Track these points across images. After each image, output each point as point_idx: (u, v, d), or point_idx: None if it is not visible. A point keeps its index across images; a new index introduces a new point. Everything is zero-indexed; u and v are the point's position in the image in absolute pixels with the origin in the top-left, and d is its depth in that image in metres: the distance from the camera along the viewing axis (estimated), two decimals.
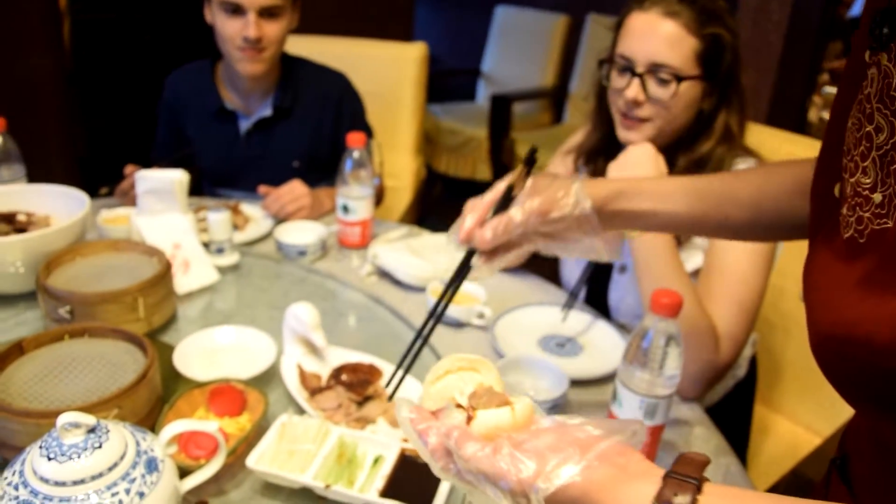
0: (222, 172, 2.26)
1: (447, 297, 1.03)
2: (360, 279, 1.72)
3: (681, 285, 1.36)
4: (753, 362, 1.75)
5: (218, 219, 1.66)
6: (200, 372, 1.28)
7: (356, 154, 1.74)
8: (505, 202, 1.01)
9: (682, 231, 1.14)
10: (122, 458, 0.89)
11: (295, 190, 1.97)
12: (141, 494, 0.88)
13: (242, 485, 1.09)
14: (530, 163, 1.02)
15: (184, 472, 1.00)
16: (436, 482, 1.01)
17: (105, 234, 1.79)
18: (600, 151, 1.66)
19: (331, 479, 1.03)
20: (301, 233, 1.83)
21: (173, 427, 0.95)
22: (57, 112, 3.52)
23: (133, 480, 0.88)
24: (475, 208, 1.01)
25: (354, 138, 1.73)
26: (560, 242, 1.02)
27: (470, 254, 1.04)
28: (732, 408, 1.71)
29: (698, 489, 0.59)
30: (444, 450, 0.68)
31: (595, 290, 1.70)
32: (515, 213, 0.97)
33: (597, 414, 1.31)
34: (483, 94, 5.38)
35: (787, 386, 1.83)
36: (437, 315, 1.03)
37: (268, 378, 1.30)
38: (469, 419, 0.69)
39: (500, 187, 1.02)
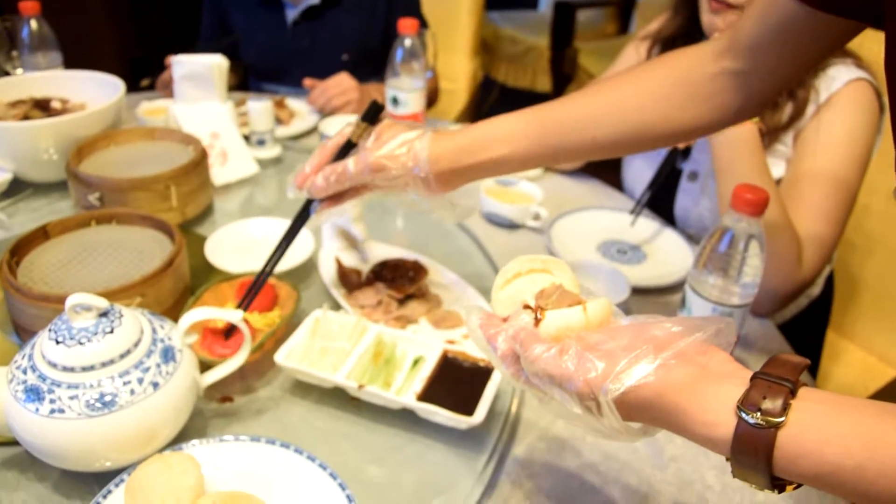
0: (268, 66, 2.15)
1: (282, 248, 1.04)
2: None
3: (766, 187, 1.21)
4: (830, 282, 1.61)
5: (259, 108, 1.56)
6: (233, 264, 1.19)
7: (408, 42, 1.61)
8: (347, 150, 0.99)
9: (543, 165, 1.04)
10: (136, 345, 0.81)
11: (342, 83, 1.85)
12: (155, 385, 0.80)
13: (272, 382, 1.01)
14: (371, 118, 0.99)
15: (208, 370, 0.93)
16: (480, 387, 0.92)
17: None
18: (679, 39, 1.49)
19: (365, 379, 0.94)
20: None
21: (193, 314, 0.86)
22: (106, 11, 3.43)
23: (147, 369, 0.81)
24: (315, 155, 1.01)
25: (406, 24, 1.60)
26: (399, 195, 0.99)
27: (309, 202, 1.02)
28: (803, 329, 1.57)
29: (792, 393, 0.53)
30: (513, 355, 0.66)
31: (660, 199, 1.56)
32: (350, 164, 0.95)
33: None
34: (545, 1, 5.12)
35: (864, 312, 1.68)
36: (270, 266, 1.03)
37: (304, 273, 1.22)
38: (537, 320, 0.64)
39: (344, 132, 1.01)
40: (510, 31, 4.72)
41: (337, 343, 0.99)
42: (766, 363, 0.56)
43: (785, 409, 0.51)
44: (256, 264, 1.09)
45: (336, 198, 1.01)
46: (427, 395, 0.92)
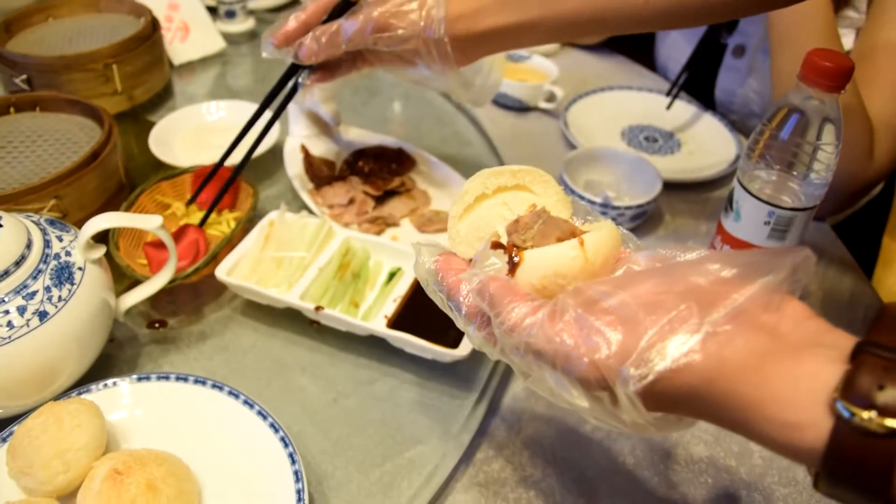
0: None
1: (256, 131, 0.85)
2: None
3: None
4: (890, 180, 1.38)
5: None
6: (184, 157, 1.00)
7: None
8: (344, 8, 0.78)
9: (583, 34, 0.79)
10: (16, 264, 0.62)
11: None
12: (42, 315, 0.62)
13: (222, 302, 0.83)
14: None
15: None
16: None
17: None
18: None
19: (326, 298, 0.76)
20: None
21: (98, 221, 0.67)
22: None
23: (32, 295, 0.62)
24: (306, 6, 0.81)
25: None
26: (402, 67, 0.80)
27: (293, 68, 0.83)
28: (857, 231, 1.35)
29: None
30: (483, 315, 0.46)
31: (698, 78, 1.32)
32: (347, 22, 0.75)
33: (700, 231, 0.99)
34: None
35: None
36: (242, 158, 0.85)
37: (266, 165, 1.02)
38: (513, 265, 0.45)
39: None
40: None
41: (294, 252, 0.80)
42: (876, 321, 0.37)
43: None
44: (216, 158, 0.89)
45: (327, 69, 0.82)
46: (402, 320, 0.73)
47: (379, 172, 0.93)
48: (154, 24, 1.18)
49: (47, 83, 1.07)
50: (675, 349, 0.38)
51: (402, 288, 0.76)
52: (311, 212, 0.89)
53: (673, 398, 0.39)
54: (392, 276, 0.80)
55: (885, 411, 0.33)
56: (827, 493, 0.36)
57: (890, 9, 1.07)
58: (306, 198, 0.91)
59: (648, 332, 0.38)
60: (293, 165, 0.96)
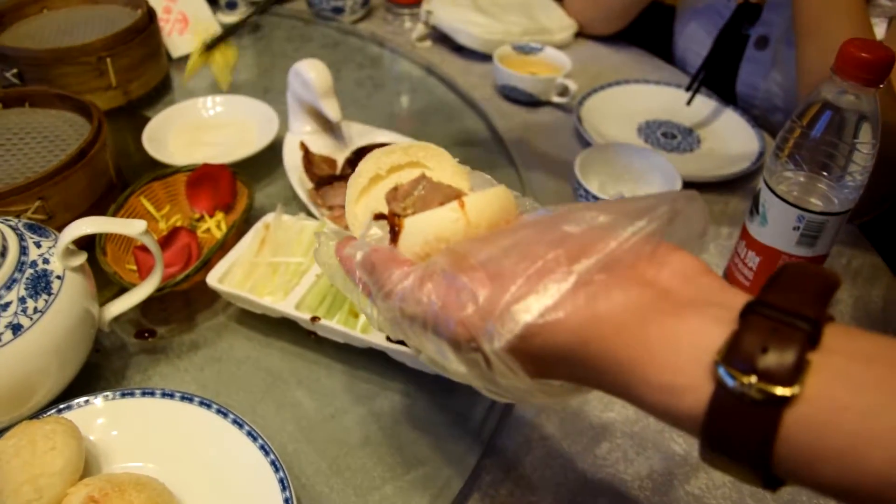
0: None
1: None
2: (411, 44, 1.33)
3: None
4: None
5: None
6: (178, 154, 0.95)
7: None
8: None
9: None
10: None
11: None
12: (16, 328, 0.58)
13: (217, 311, 0.78)
14: None
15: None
16: None
17: None
18: None
19: (323, 308, 0.71)
20: None
21: (78, 226, 0.63)
22: None
23: (5, 307, 0.58)
24: None
25: None
26: None
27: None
28: (887, 232, 1.29)
29: (812, 340, 0.31)
30: None
31: (718, 70, 1.26)
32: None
33: (721, 234, 0.94)
34: None
35: None
36: None
37: (265, 163, 0.97)
38: (395, 233, 0.43)
39: None
40: None
41: (291, 258, 0.75)
42: (771, 281, 0.34)
43: (799, 370, 0.30)
44: (212, 156, 0.85)
45: None
46: None
47: None
48: (151, 16, 1.14)
49: (39, 77, 1.03)
50: (541, 301, 0.35)
51: None
52: (309, 213, 0.85)
53: (549, 360, 0.36)
54: None
55: (766, 376, 0.30)
56: (708, 461, 0.33)
57: None
58: (305, 198, 0.86)
59: (514, 284, 0.36)
60: (293, 163, 0.92)
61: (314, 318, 0.69)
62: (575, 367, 0.36)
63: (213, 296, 0.78)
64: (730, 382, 0.31)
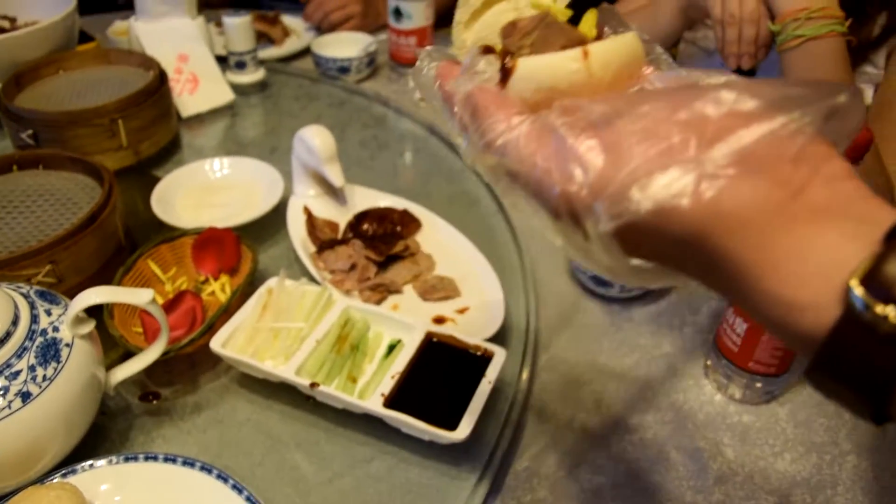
0: None
1: None
2: (415, 103, 1.37)
3: None
4: None
5: (235, 25, 1.32)
6: (185, 215, 0.98)
7: None
8: None
9: None
10: (1, 342, 0.60)
11: None
12: (25, 396, 0.60)
13: (220, 373, 0.81)
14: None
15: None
16: (470, 387, 0.70)
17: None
18: None
19: (322, 373, 0.73)
20: (345, 45, 1.47)
21: (86, 297, 0.65)
22: None
23: (15, 375, 0.60)
24: None
25: None
26: None
27: None
28: None
29: None
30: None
31: None
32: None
33: (720, 301, 0.96)
34: None
35: None
36: None
37: (270, 226, 1.00)
38: (505, 73, 0.38)
39: None
40: None
41: (293, 323, 0.77)
42: None
43: None
44: (218, 218, 0.87)
45: None
46: (400, 397, 0.70)
47: (382, 236, 0.91)
48: (162, 78, 1.17)
49: (53, 138, 1.06)
50: (661, 189, 0.31)
51: (401, 363, 0.73)
52: (311, 277, 0.87)
53: (657, 246, 0.33)
54: (392, 348, 0.77)
55: None
56: (815, 383, 0.31)
57: None
58: (307, 262, 0.89)
59: (632, 161, 0.32)
60: (296, 227, 0.94)
61: (313, 384, 0.71)
62: (685, 259, 0.33)
63: (216, 358, 0.80)
64: (862, 309, 0.27)
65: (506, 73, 0.38)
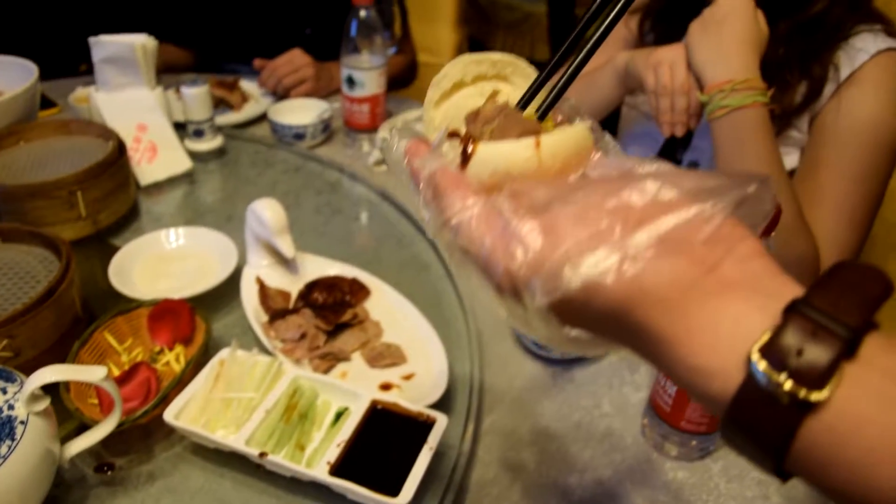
0: (225, 41, 1.94)
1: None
2: (368, 168, 1.42)
3: (779, 184, 1.03)
4: None
5: (193, 94, 1.36)
6: (142, 286, 1.01)
7: (363, 14, 1.40)
8: None
9: None
10: None
11: (294, 60, 1.65)
12: None
13: (174, 442, 0.83)
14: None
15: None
16: (413, 453, 0.73)
17: (78, 116, 1.52)
18: (674, 9, 1.29)
19: (271, 442, 0.76)
20: (300, 112, 1.52)
21: (40, 377, 0.68)
22: None
23: None
24: None
25: None
26: None
27: None
28: None
29: (850, 347, 0.31)
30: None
31: None
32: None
33: None
34: None
35: (890, 315, 1.47)
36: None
37: (225, 296, 1.03)
38: (466, 157, 0.42)
39: None
40: None
41: (243, 393, 0.81)
42: (822, 280, 0.34)
43: (830, 377, 0.31)
44: (174, 288, 0.90)
45: None
46: (345, 465, 0.73)
47: (332, 305, 0.95)
48: (121, 149, 1.21)
49: (13, 210, 1.09)
50: (589, 268, 0.35)
51: (347, 431, 0.76)
52: (263, 346, 0.91)
53: (588, 318, 0.37)
54: (339, 416, 0.80)
55: (797, 378, 0.31)
56: (726, 440, 0.35)
57: (829, 129, 1.12)
58: (259, 332, 0.92)
59: (566, 245, 0.36)
60: (249, 296, 0.98)
61: (262, 454, 0.74)
62: (612, 330, 0.37)
63: (170, 427, 0.83)
64: (760, 378, 0.31)
65: (466, 157, 0.42)
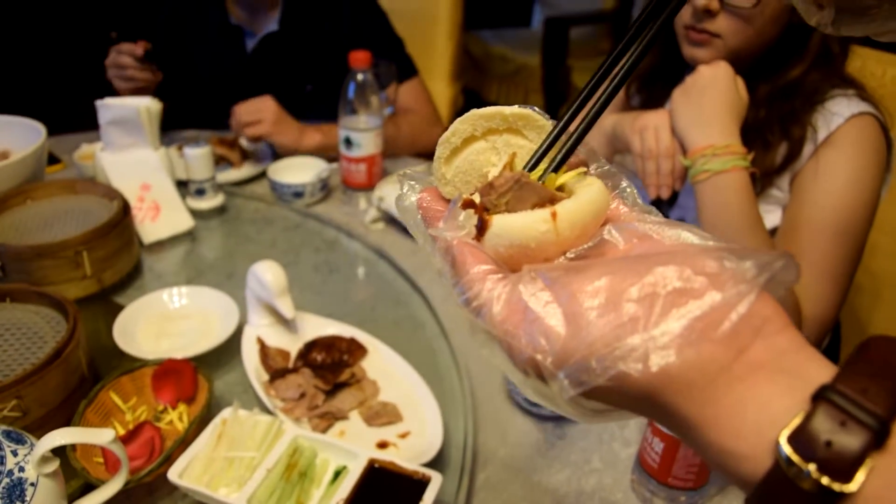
0: (228, 99, 2.00)
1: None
2: (365, 226, 1.46)
3: (760, 243, 1.07)
4: (837, 330, 1.45)
5: (196, 154, 1.41)
6: (146, 344, 1.04)
7: (360, 77, 1.46)
8: None
9: None
10: None
11: (257, 102, 1.66)
12: None
13: (177, 499, 0.86)
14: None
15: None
16: None
17: (83, 173, 1.57)
18: (659, 75, 1.35)
19: (272, 500, 0.79)
20: (299, 170, 1.57)
21: (50, 440, 0.71)
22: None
23: None
24: None
25: (358, 58, 1.45)
26: None
27: None
28: None
29: (878, 435, 0.31)
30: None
31: None
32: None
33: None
34: (539, 18, 4.98)
35: (888, 313, 1.51)
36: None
37: (226, 355, 1.06)
38: (481, 229, 0.42)
39: None
40: (501, 49, 4.59)
41: (245, 452, 0.83)
42: (851, 362, 0.34)
43: (858, 468, 0.31)
44: (177, 347, 0.93)
45: None
46: None
47: (330, 364, 0.98)
48: (125, 209, 1.25)
49: (20, 269, 1.13)
50: (617, 361, 0.35)
51: (345, 489, 0.79)
52: (263, 405, 0.93)
53: (616, 400, 0.38)
54: (337, 474, 0.83)
55: (825, 468, 0.31)
56: None
57: (809, 188, 1.16)
58: (260, 391, 0.95)
59: (592, 337, 0.36)
60: (249, 356, 1.01)
61: None
62: (640, 409, 0.38)
63: (174, 485, 0.85)
64: (788, 466, 0.31)
65: (482, 229, 0.42)
